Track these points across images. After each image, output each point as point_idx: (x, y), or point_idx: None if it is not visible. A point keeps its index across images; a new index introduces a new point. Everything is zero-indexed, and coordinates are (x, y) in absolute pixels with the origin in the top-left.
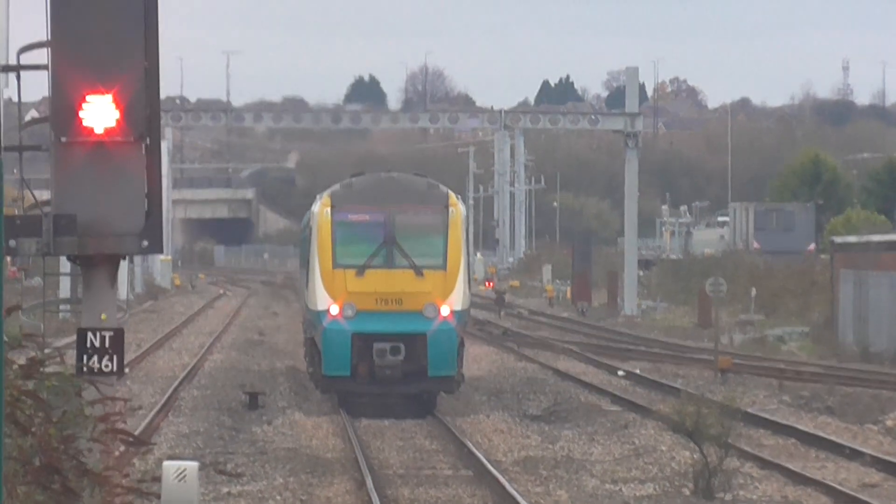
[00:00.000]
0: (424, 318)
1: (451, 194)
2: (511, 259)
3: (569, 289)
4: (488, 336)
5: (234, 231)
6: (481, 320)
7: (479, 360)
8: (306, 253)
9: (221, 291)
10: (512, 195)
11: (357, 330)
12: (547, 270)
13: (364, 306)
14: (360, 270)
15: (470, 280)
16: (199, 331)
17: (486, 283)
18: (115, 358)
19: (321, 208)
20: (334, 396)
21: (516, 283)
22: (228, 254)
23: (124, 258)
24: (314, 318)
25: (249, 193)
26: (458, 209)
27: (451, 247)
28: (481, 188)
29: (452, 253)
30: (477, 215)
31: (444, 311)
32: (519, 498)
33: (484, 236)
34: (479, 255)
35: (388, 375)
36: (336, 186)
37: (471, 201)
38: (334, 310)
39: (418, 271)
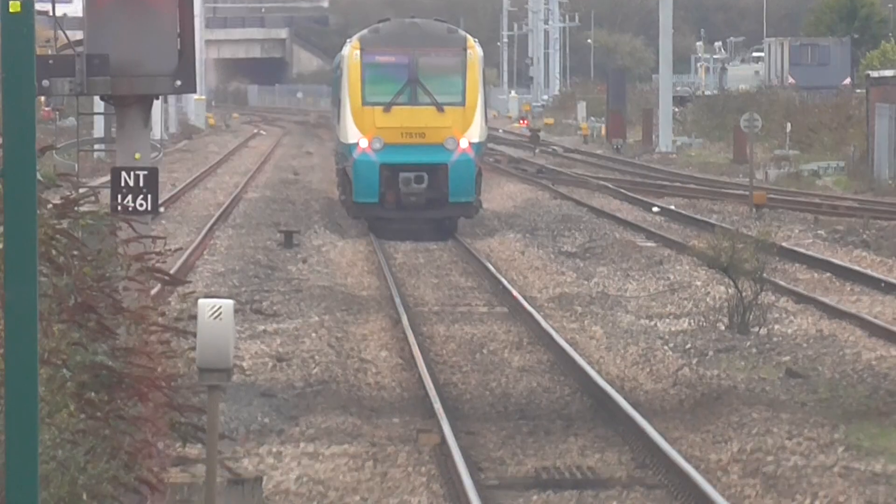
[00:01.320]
0: (445, 150)
1: (469, 38)
2: (545, 97)
3: (603, 126)
4: (523, 173)
5: (267, 70)
6: (516, 158)
7: (513, 196)
8: (337, 92)
9: (255, 131)
10: (546, 33)
11: (384, 161)
12: (581, 108)
13: (391, 140)
14: (387, 107)
15: (486, 115)
16: (233, 170)
17: (521, 121)
18: (149, 197)
19: (351, 51)
20: (366, 225)
21: (550, 120)
22: (262, 93)
23: (157, 98)
24: (345, 151)
25: (283, 33)
26: (476, 51)
27: (469, 85)
28: (515, 26)
29: (470, 91)
30: (511, 53)
31: (464, 143)
32: (554, 334)
33: (518, 74)
34: (513, 92)
35: (412, 202)
36: (364, 31)
37: (505, 39)
38: (363, 143)
39: (439, 107)
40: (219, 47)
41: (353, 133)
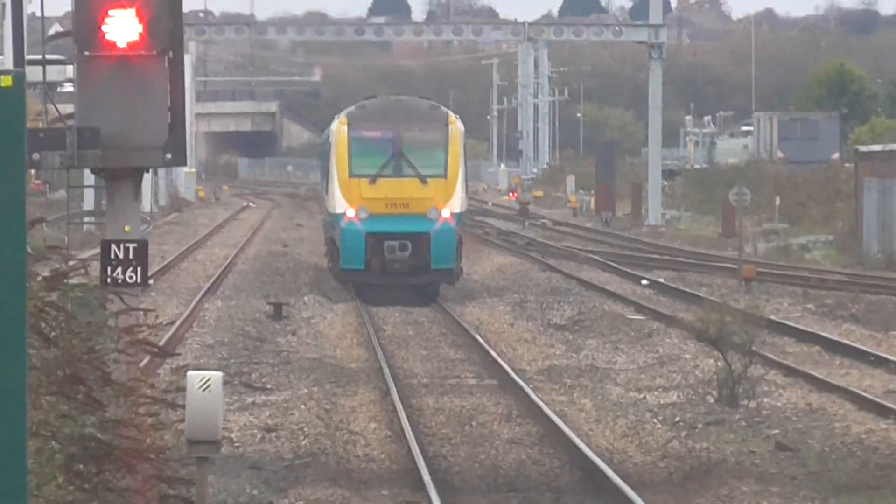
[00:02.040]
0: (428, 220)
1: (451, 114)
2: (535, 170)
3: (592, 199)
4: (512, 246)
5: (257, 144)
6: (505, 231)
7: (503, 269)
8: (326, 164)
9: (245, 203)
10: (536, 107)
11: (370, 230)
12: (571, 181)
13: (376, 210)
14: (373, 179)
15: (467, 187)
16: (223, 242)
17: (510, 194)
18: (139, 269)
19: (339, 126)
20: (353, 293)
21: (540, 193)
22: (252, 166)
23: (148, 170)
24: (333, 220)
25: (273, 106)
26: (457, 127)
27: (451, 159)
28: (505, 100)
29: (452, 164)
30: (501, 127)
31: (445, 213)
32: (543, 406)
33: (508, 148)
34: (503, 165)
35: (396, 269)
36: (352, 108)
37: (495, 113)
38: (350, 213)
39: (423, 180)
40: (209, 120)
41: (340, 203)
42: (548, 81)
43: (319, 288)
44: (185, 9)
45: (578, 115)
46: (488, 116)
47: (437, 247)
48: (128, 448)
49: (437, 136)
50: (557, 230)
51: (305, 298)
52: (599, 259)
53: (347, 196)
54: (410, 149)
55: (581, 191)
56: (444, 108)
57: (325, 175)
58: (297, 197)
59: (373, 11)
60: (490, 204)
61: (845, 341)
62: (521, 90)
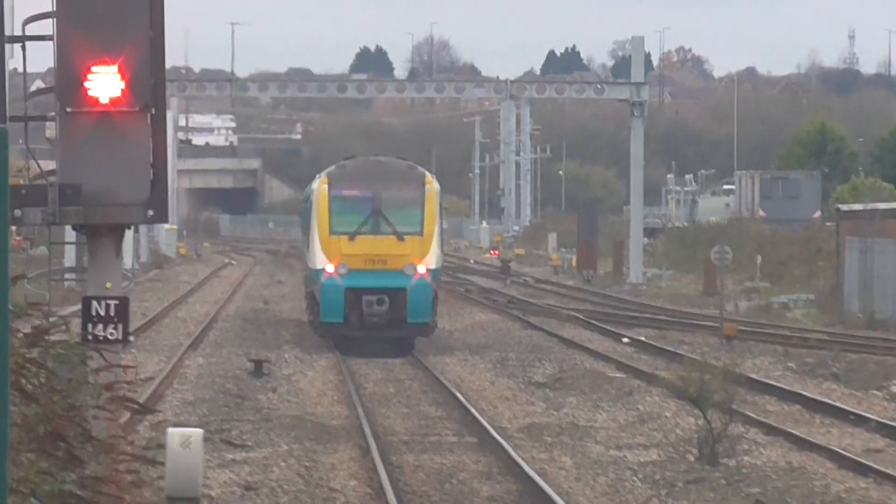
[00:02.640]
0: (405, 276)
1: (427, 174)
2: (516, 228)
3: (574, 257)
4: (493, 303)
5: (239, 200)
6: (486, 288)
7: (484, 326)
8: (307, 221)
9: (227, 260)
10: (518, 164)
11: (349, 285)
12: (552, 239)
13: (355, 266)
14: (352, 236)
15: (443, 244)
16: (204, 299)
17: (492, 252)
18: (119, 326)
19: (320, 185)
20: (334, 350)
21: (521, 251)
22: (234, 223)
23: (129, 227)
24: (313, 276)
25: (255, 163)
26: (433, 186)
27: (427, 217)
28: (487, 157)
29: (428, 222)
30: (483, 184)
31: (421, 269)
32: (523, 464)
33: (489, 205)
34: (484, 223)
35: (374, 322)
36: (332, 168)
37: (476, 170)
38: (330, 268)
39: (400, 237)
40: (191, 177)
41: (320, 259)
42: (529, 139)
43: (300, 345)
44: (167, 65)
45: (560, 172)
46: (470, 174)
47: (413, 301)
48: None
49: (414, 195)
50: (539, 288)
51: (286, 355)
52: (581, 317)
53: (328, 252)
54: (388, 207)
55: (563, 248)
56: (420, 169)
57: (307, 231)
58: (279, 254)
59: (355, 68)
60: (472, 261)
61: (826, 400)
62: (504, 147)
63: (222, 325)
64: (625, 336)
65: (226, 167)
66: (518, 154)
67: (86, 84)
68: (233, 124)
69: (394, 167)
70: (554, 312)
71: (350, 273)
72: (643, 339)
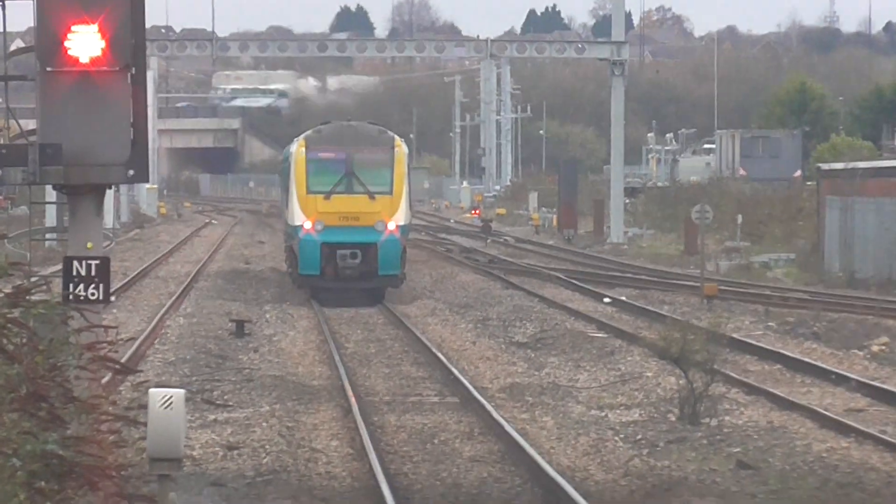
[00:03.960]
0: (375, 232)
1: (397, 138)
2: (497, 187)
3: (555, 217)
4: (475, 264)
5: (219, 160)
6: (467, 248)
7: (465, 286)
8: (286, 181)
9: (207, 220)
10: (498, 124)
11: (325, 240)
12: (533, 198)
13: (330, 222)
14: (328, 195)
15: (411, 202)
16: (185, 259)
17: (473, 212)
18: (101, 286)
19: (297, 148)
20: (312, 302)
21: (502, 211)
22: (214, 182)
23: (110, 187)
24: (292, 231)
25: (235, 123)
26: (402, 149)
27: (396, 178)
28: (468, 117)
29: (397, 182)
30: (464, 143)
31: (391, 226)
32: (505, 424)
33: (470, 165)
34: (465, 183)
35: (348, 274)
36: (309, 132)
37: (457, 130)
38: (307, 225)
39: (371, 196)
40: (171, 136)
41: (298, 217)
42: (510, 98)
43: (281, 305)
44: (147, 24)
45: (541, 132)
46: (451, 133)
47: (383, 255)
48: (90, 465)
49: (384, 158)
50: (520, 248)
51: (268, 316)
52: (562, 277)
53: (305, 210)
54: (360, 168)
55: (543, 208)
56: (390, 133)
57: (286, 191)
58: (259, 214)
59: (335, 28)
60: (452, 221)
61: (806, 359)
62: (484, 107)
63: (203, 285)
64: (606, 296)
65: (206, 127)
66: (498, 114)
67: (66, 43)
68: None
69: (365, 131)
70: (535, 272)
71: (326, 229)
72: (624, 298)
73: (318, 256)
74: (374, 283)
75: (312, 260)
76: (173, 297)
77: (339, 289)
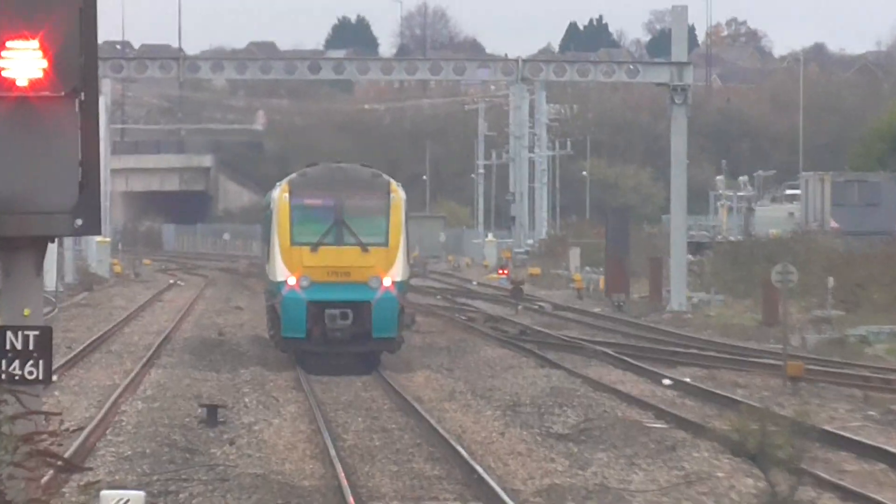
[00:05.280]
0: (369, 289)
1: (392, 182)
2: (531, 241)
3: (602, 278)
4: (502, 335)
5: (187, 207)
6: (494, 316)
7: (491, 364)
8: (267, 232)
9: (172, 281)
10: (532, 163)
11: (311, 298)
12: (575, 255)
13: (317, 278)
14: (314, 247)
15: (409, 255)
16: (144, 329)
17: (500, 271)
18: (40, 363)
19: (280, 194)
20: (296, 366)
21: (537, 270)
22: (181, 234)
23: (53, 240)
24: (274, 288)
25: (207, 161)
26: (399, 195)
27: (392, 227)
28: (493, 154)
29: (393, 232)
30: (488, 187)
31: (387, 282)
32: None
33: (497, 213)
34: (490, 235)
35: (338, 337)
36: (293, 175)
37: (481, 170)
38: (292, 281)
39: (364, 248)
40: (128, 177)
41: (281, 271)
42: (546, 131)
43: (264, 386)
44: (100, 39)
45: (584, 173)
46: (473, 175)
47: (378, 315)
48: None
49: (379, 205)
50: (558, 316)
51: (246, 399)
52: (610, 352)
53: (289, 264)
54: (352, 217)
55: (587, 267)
56: (385, 176)
57: (267, 241)
58: (236, 273)
59: (331, 44)
60: (475, 283)
61: None
62: (514, 142)
63: (167, 361)
64: (665, 377)
65: (171, 165)
66: (532, 150)
67: (0, 63)
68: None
69: (357, 175)
70: (577, 347)
71: (312, 286)
72: (688, 380)
73: (303, 317)
74: (368, 347)
75: (297, 321)
76: (130, 377)
77: (327, 354)
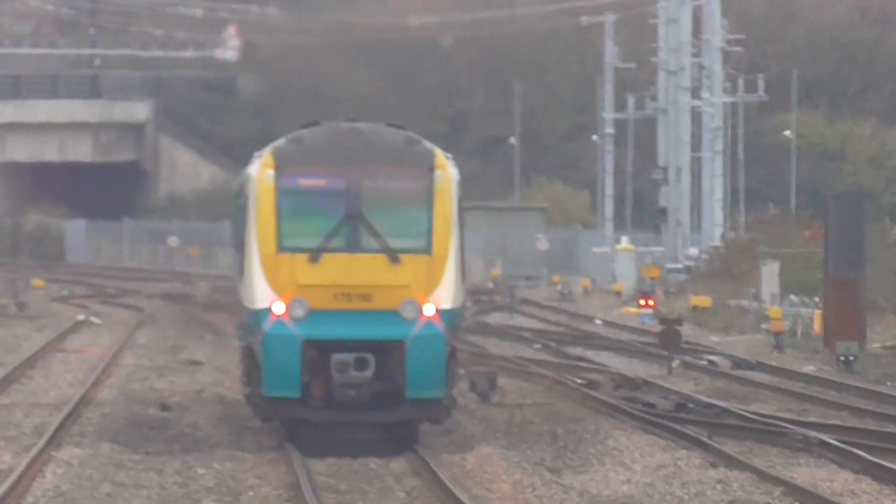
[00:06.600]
0: (402, 320)
1: (439, 152)
2: (694, 251)
3: (817, 313)
4: (646, 413)
5: (107, 191)
6: (632, 379)
7: (627, 463)
8: (241, 231)
9: (81, 316)
10: (697, 116)
11: (309, 336)
12: (771, 275)
13: (319, 304)
14: (315, 255)
15: (464, 268)
16: (33, 399)
17: (641, 302)
18: None
19: (261, 171)
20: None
21: (705, 300)
22: (95, 237)
23: None
24: (252, 320)
25: (140, 112)
26: (448, 172)
27: (438, 223)
28: (630, 102)
29: (440, 231)
30: (620, 159)
31: (429, 310)
32: None
33: (636, 203)
34: (623, 240)
35: (351, 397)
36: (281, 141)
37: (609, 129)
38: (279, 308)
39: (393, 256)
40: (3, 140)
41: (262, 294)
42: (722, 63)
43: (238, 499)
44: None
45: (786, 133)
46: (594, 136)
47: (414, 363)
48: None
49: (417, 188)
50: (742, 379)
51: None
52: (833, 442)
53: (274, 282)
54: (373, 208)
55: (793, 296)
56: (427, 144)
57: (240, 247)
58: (190, 302)
59: None
60: (599, 322)
61: None
62: (666, 80)
63: (73, 455)
64: None
65: (79, 119)
66: (696, 94)
67: None
68: None
69: (382, 141)
70: (776, 432)
71: (311, 316)
72: None
73: (297, 365)
74: (399, 416)
75: (287, 371)
76: (10, 481)
77: (334, 424)
